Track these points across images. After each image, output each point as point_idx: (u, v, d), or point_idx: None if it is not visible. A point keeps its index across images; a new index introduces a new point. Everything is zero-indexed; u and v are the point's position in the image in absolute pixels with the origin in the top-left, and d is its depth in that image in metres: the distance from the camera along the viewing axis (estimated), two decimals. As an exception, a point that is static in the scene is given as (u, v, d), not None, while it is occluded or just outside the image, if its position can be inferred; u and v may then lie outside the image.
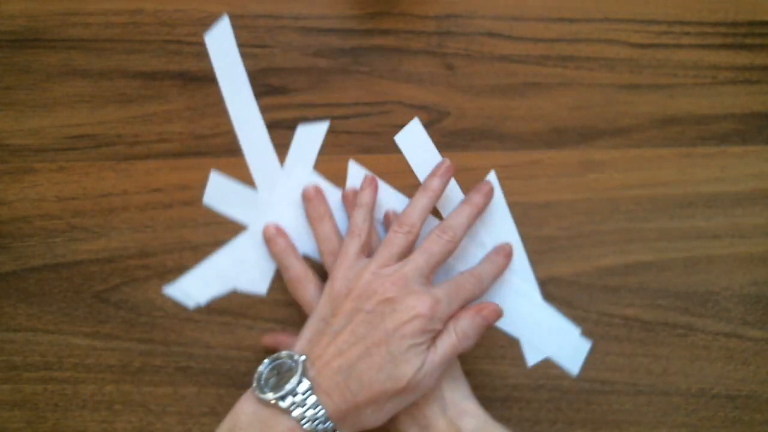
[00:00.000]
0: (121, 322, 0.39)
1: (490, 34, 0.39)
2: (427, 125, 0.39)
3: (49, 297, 0.40)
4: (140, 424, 0.39)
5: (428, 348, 0.32)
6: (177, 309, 0.39)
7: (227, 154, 0.39)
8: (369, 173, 0.38)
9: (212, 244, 0.39)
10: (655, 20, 0.39)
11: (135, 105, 0.39)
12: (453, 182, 0.39)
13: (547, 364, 0.39)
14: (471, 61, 0.39)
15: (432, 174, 0.37)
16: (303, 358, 0.32)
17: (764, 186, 0.39)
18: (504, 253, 0.38)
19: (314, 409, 0.30)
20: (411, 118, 0.39)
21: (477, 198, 0.37)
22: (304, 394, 0.30)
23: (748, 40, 0.39)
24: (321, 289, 0.36)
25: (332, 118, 0.39)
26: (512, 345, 0.39)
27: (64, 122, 0.39)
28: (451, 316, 0.34)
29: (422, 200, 0.36)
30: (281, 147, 0.39)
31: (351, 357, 0.31)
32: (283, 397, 0.30)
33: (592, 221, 0.39)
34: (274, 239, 0.38)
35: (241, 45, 0.39)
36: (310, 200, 0.38)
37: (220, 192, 0.39)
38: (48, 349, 0.39)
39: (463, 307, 0.34)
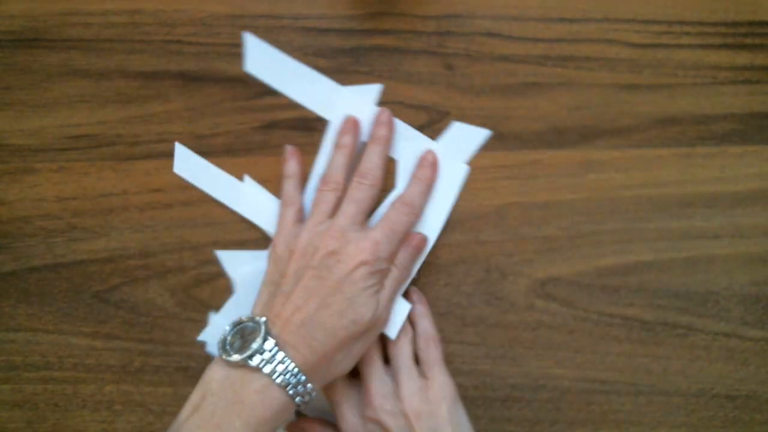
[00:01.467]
0: (121, 322, 0.39)
1: (490, 34, 0.39)
2: (427, 125, 0.39)
3: (49, 297, 0.40)
4: (140, 424, 0.39)
5: (380, 288, 0.34)
6: (177, 309, 0.39)
7: (227, 154, 0.39)
8: (290, 146, 0.38)
9: (212, 244, 0.39)
10: (655, 20, 0.39)
11: (135, 105, 0.39)
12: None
13: (547, 365, 0.39)
14: (471, 61, 0.39)
15: (341, 131, 0.38)
16: (264, 319, 0.32)
17: (764, 186, 0.39)
18: (428, 164, 0.38)
19: (284, 363, 0.31)
20: (411, 118, 0.39)
21: (380, 132, 0.37)
22: (271, 350, 0.31)
23: (748, 40, 0.39)
24: (301, 216, 0.37)
25: (332, 118, 0.39)
26: (512, 345, 0.39)
27: (64, 122, 0.39)
28: (396, 251, 0.36)
29: (338, 158, 0.37)
30: (282, 147, 0.39)
31: (309, 310, 0.32)
32: (251, 356, 0.31)
33: (592, 221, 0.39)
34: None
35: (241, 45, 0.39)
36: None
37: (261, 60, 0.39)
38: (48, 349, 0.39)
39: (405, 236, 0.36)
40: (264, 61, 0.39)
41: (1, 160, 0.40)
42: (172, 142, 0.39)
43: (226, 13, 0.39)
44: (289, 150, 0.38)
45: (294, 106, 0.39)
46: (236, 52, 0.39)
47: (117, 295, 0.39)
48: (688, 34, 0.39)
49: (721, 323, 0.39)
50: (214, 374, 0.31)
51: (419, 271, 0.39)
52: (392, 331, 0.37)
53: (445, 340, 0.39)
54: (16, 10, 0.39)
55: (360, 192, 0.35)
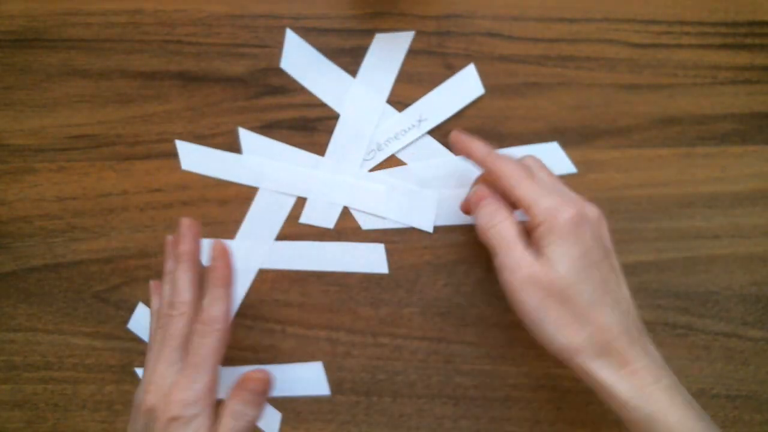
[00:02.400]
0: (121, 322, 0.39)
1: (490, 34, 0.39)
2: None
3: (49, 297, 0.40)
4: (140, 424, 0.39)
5: (212, 424, 0.30)
6: (177, 309, 0.39)
7: (227, 154, 0.39)
8: (153, 282, 0.36)
9: (212, 244, 0.39)
10: (655, 20, 0.39)
11: (135, 105, 0.39)
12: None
13: (547, 365, 0.39)
14: (471, 60, 0.39)
15: (178, 240, 0.34)
16: None
17: (764, 186, 0.39)
18: (218, 257, 0.32)
19: None
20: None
21: (181, 247, 0.33)
22: None
23: (748, 40, 0.39)
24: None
25: (332, 119, 0.39)
26: (512, 345, 0.39)
27: (64, 122, 0.39)
28: (215, 379, 0.31)
29: (182, 275, 0.33)
30: (285, 142, 0.39)
31: None
32: None
33: (592, 221, 0.39)
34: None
35: (241, 45, 0.39)
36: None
37: (297, 56, 0.39)
38: (48, 349, 0.39)
39: (217, 354, 0.31)
40: (300, 59, 0.39)
41: (1, 160, 0.40)
42: (172, 142, 0.39)
43: (226, 13, 0.39)
44: (152, 285, 0.36)
45: (294, 106, 0.39)
46: (236, 52, 0.39)
47: (117, 295, 0.39)
48: (688, 34, 0.39)
49: (721, 323, 0.39)
50: None
51: (420, 271, 0.39)
52: (428, 225, 0.38)
53: (445, 340, 0.39)
54: (16, 10, 0.39)
55: (172, 326, 0.32)
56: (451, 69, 0.39)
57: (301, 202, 0.39)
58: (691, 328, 0.39)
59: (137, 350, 0.39)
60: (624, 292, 0.32)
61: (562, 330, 0.30)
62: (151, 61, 0.39)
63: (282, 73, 0.39)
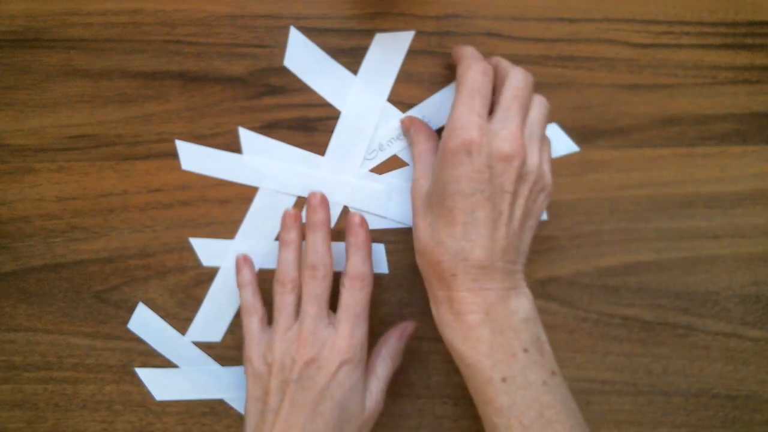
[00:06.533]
0: (121, 322, 0.39)
1: (490, 34, 0.39)
2: (427, 125, 0.39)
3: (49, 297, 0.40)
4: (140, 424, 0.39)
5: (366, 375, 0.35)
6: (177, 309, 0.39)
7: (227, 154, 0.39)
8: (241, 256, 0.38)
9: (212, 244, 0.39)
10: (655, 20, 0.39)
11: (135, 105, 0.39)
12: None
13: (547, 364, 0.39)
14: (471, 61, 0.39)
15: (284, 227, 0.37)
16: None
17: (764, 186, 0.39)
18: (356, 227, 0.36)
19: None
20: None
21: (316, 217, 0.36)
22: None
23: (748, 40, 0.39)
24: (265, 321, 0.37)
25: (333, 119, 0.39)
26: (512, 345, 0.39)
27: (64, 122, 0.39)
28: (366, 325, 0.35)
29: (287, 255, 0.36)
30: (284, 139, 0.39)
31: (301, 425, 0.32)
32: None
33: (592, 221, 0.39)
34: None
35: (241, 45, 0.39)
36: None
37: (301, 54, 0.39)
38: (48, 349, 0.39)
39: (368, 306, 0.35)
40: (303, 57, 0.39)
41: (1, 160, 0.40)
42: (172, 142, 0.39)
43: (226, 13, 0.39)
44: (240, 260, 0.38)
45: (294, 106, 0.39)
46: (236, 52, 0.39)
47: (117, 295, 0.39)
48: (688, 34, 0.39)
49: (721, 323, 0.39)
50: None
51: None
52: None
53: (445, 340, 0.39)
54: (16, 10, 0.39)
55: (316, 287, 0.34)
56: (451, 69, 0.39)
57: (301, 202, 0.39)
58: (691, 328, 0.39)
59: (137, 350, 0.39)
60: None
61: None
62: (151, 61, 0.39)
63: (282, 73, 0.39)
